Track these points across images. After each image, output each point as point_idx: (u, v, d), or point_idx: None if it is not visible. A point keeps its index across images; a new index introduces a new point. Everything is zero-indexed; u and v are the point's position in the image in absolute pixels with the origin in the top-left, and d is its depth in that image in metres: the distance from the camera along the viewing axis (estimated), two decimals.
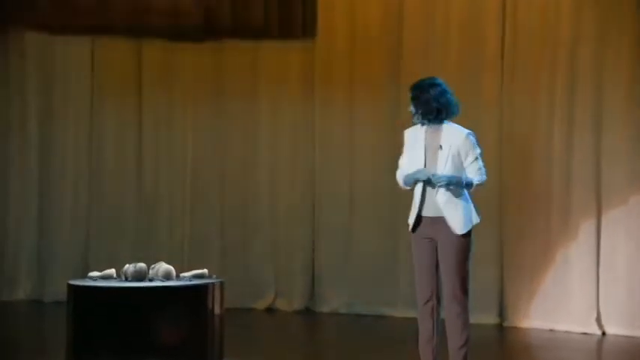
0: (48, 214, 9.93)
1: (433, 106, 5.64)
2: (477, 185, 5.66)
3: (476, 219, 5.66)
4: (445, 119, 5.68)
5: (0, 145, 9.99)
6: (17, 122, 9.99)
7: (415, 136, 5.77)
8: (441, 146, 5.66)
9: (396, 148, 8.81)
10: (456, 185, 5.60)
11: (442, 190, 5.59)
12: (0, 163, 9.98)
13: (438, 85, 5.70)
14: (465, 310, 5.61)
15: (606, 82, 8.23)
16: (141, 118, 9.81)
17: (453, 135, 5.64)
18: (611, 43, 8.20)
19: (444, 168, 5.60)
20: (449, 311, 5.64)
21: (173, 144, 9.78)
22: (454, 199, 5.60)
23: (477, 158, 5.62)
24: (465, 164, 5.63)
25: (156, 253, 9.19)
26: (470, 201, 5.65)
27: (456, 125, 5.69)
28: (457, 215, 5.60)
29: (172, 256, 9.29)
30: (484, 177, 5.68)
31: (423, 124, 5.72)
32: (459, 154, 5.60)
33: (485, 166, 5.67)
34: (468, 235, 5.60)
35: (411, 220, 5.73)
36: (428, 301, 5.71)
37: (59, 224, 9.89)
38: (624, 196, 8.18)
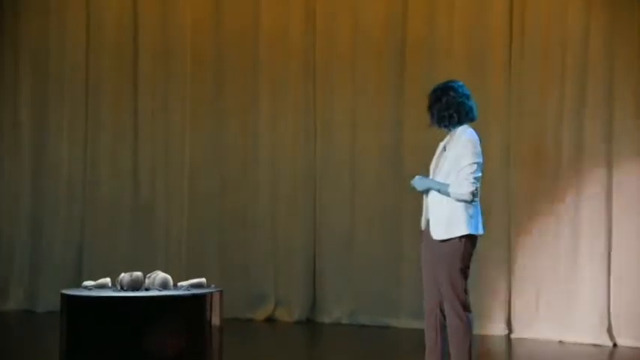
0: (41, 220, 10.01)
1: (445, 113, 5.75)
2: (454, 197, 5.58)
3: (466, 230, 5.59)
4: (461, 124, 5.75)
5: None
6: (8, 122, 10.11)
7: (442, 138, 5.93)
8: (445, 148, 5.77)
9: (399, 150, 8.94)
10: (433, 190, 5.65)
11: (434, 192, 5.67)
12: None
13: (453, 89, 5.77)
14: (463, 321, 5.61)
15: (616, 83, 8.22)
16: (136, 118, 9.86)
17: (458, 138, 5.70)
18: (620, 43, 8.19)
19: (439, 170, 5.69)
20: (448, 322, 5.67)
21: (170, 146, 9.81)
22: (443, 201, 5.63)
23: (466, 166, 5.59)
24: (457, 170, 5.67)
25: (152, 260, 9.26)
26: (466, 210, 5.61)
27: (469, 130, 5.74)
28: (438, 218, 5.63)
29: (169, 263, 9.35)
30: (461, 189, 5.56)
31: (444, 129, 5.82)
32: (457, 159, 5.64)
33: (473, 180, 5.56)
34: (450, 244, 5.58)
35: (422, 221, 5.83)
36: (432, 311, 5.76)
37: (52, 230, 9.96)
38: (636, 203, 8.18)
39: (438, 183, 5.67)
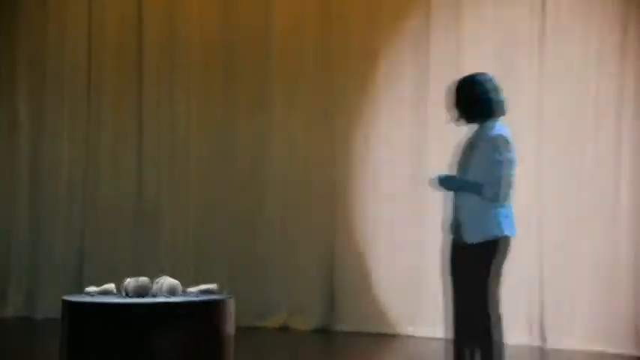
0: (39, 222, 10.08)
1: (472, 107, 5.74)
2: (487, 197, 5.57)
3: (501, 231, 5.59)
4: (489, 119, 5.72)
5: None
6: (6, 122, 10.19)
7: (468, 135, 5.86)
8: (472, 144, 5.74)
9: (423, 149, 8.92)
10: (463, 190, 5.63)
11: (463, 191, 5.65)
12: None
13: (480, 82, 5.76)
14: (493, 330, 5.59)
15: None
16: (140, 117, 9.94)
17: (487, 135, 5.67)
18: None
19: (468, 168, 5.68)
20: (477, 332, 5.66)
21: (176, 145, 9.84)
22: (474, 202, 5.61)
23: (498, 164, 5.57)
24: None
25: (157, 264, 9.30)
26: (500, 210, 5.60)
27: (498, 125, 5.72)
28: (471, 220, 5.62)
29: (175, 268, 9.35)
30: (495, 189, 5.53)
31: (471, 125, 5.78)
32: (486, 157, 5.62)
33: (507, 179, 5.57)
34: (483, 248, 5.58)
35: (447, 222, 5.79)
36: (458, 319, 5.72)
37: (52, 233, 10.01)
38: None
39: (468, 182, 5.64)
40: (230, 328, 5.64)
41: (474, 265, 5.62)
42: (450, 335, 5.83)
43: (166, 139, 9.87)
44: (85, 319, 5.44)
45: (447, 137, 7.90)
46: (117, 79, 9.99)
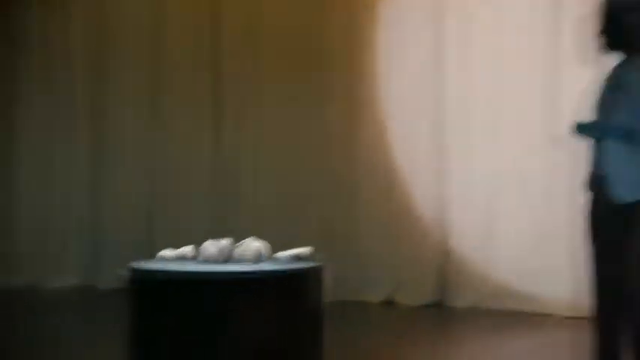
0: (103, 182, 10.43)
1: (621, 36, 5.38)
2: None
3: None
4: (636, 50, 5.35)
5: (44, 106, 10.60)
6: (63, 81, 10.60)
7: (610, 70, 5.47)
8: (619, 84, 5.38)
9: (553, 92, 8.65)
10: (609, 138, 5.33)
11: (612, 140, 5.35)
12: (43, 124, 10.60)
13: (628, 5, 5.39)
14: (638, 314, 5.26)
15: None
16: (219, 71, 10.15)
17: (636, 70, 5.30)
18: None
19: (614, 113, 5.35)
20: (631, 316, 5.36)
21: (258, 95, 9.87)
22: (622, 152, 5.31)
23: None
24: None
25: (238, 229, 9.27)
26: None
27: None
28: (624, 175, 5.31)
29: (259, 233, 9.34)
30: None
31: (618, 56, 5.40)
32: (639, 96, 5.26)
33: None
34: (636, 208, 5.26)
35: (589, 179, 5.47)
36: (604, 299, 5.44)
37: (116, 194, 10.35)
38: None
39: (617, 128, 5.30)
40: (324, 300, 5.56)
41: (624, 230, 5.29)
42: (593, 314, 5.53)
43: (248, 98, 9.95)
44: (156, 289, 5.38)
45: (583, 75, 7.72)
46: (190, 42, 10.30)
